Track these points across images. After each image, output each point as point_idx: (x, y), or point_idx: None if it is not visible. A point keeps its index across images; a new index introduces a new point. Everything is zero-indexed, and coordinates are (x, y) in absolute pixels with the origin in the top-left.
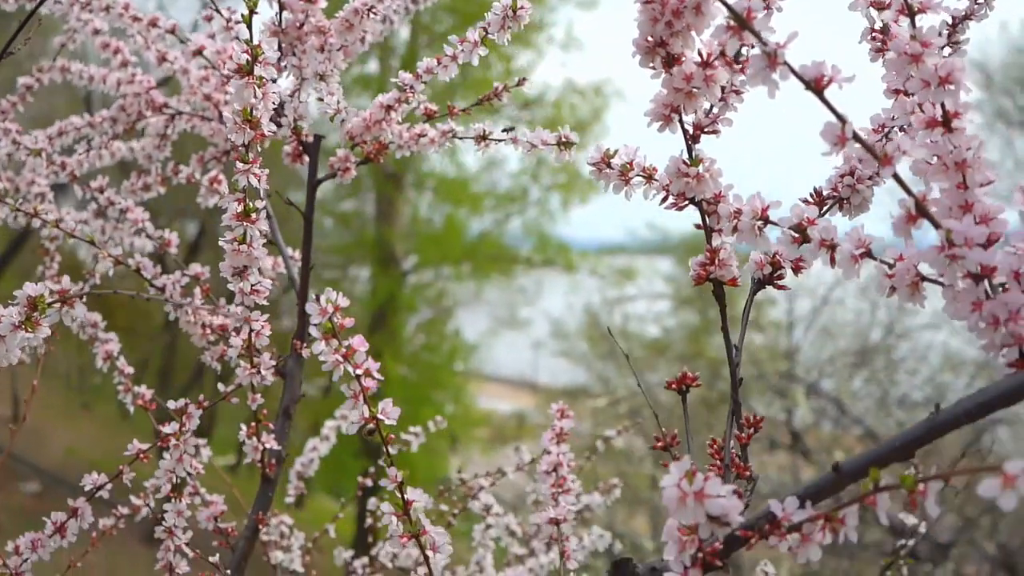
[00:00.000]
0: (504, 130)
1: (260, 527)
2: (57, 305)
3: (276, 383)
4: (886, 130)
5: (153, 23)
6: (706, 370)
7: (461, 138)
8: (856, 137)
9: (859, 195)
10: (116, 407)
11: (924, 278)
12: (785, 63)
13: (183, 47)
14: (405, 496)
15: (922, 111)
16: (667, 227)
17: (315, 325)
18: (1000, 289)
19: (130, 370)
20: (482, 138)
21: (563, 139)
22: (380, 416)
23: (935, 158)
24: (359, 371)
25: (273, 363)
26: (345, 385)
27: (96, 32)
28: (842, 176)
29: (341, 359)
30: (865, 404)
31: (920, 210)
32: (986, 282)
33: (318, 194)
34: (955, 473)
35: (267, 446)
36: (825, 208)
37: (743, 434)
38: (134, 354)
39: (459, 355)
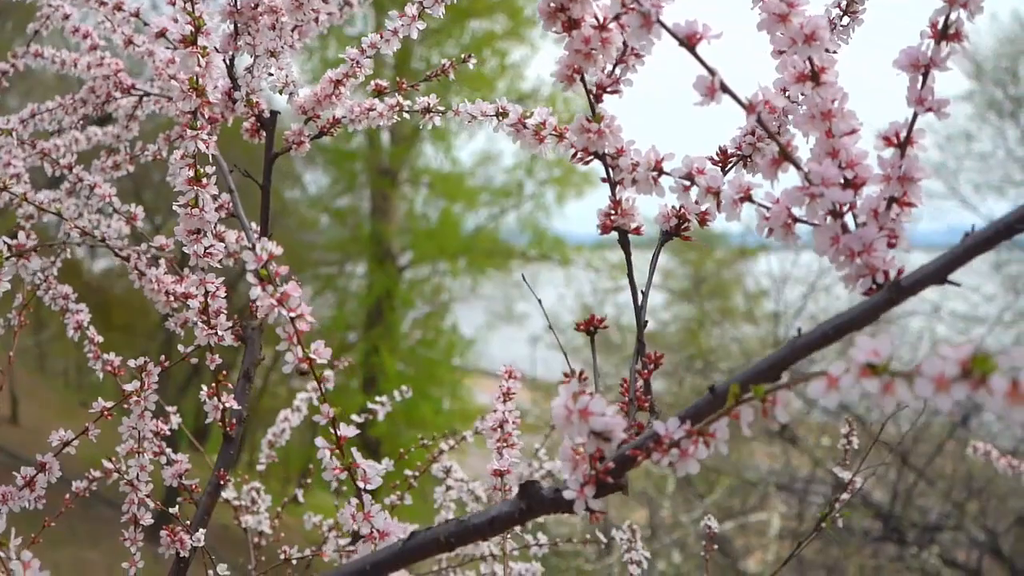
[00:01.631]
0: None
1: (222, 483)
2: (14, 259)
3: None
4: (787, 92)
5: (118, 7)
6: (700, 361)
7: (408, 111)
8: (724, 88)
9: (760, 152)
10: (114, 405)
11: (796, 219)
12: (659, 22)
13: (148, 30)
14: (338, 432)
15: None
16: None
17: (251, 271)
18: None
19: (100, 339)
20: (426, 110)
21: (500, 110)
22: (313, 356)
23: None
24: (293, 314)
25: (229, 324)
26: (280, 328)
27: (66, 17)
28: (745, 135)
29: (276, 303)
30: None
31: (784, 154)
32: (851, 219)
33: (313, 190)
34: (804, 379)
35: (227, 406)
36: (730, 165)
37: (645, 370)
38: (131, 352)
39: (456, 350)
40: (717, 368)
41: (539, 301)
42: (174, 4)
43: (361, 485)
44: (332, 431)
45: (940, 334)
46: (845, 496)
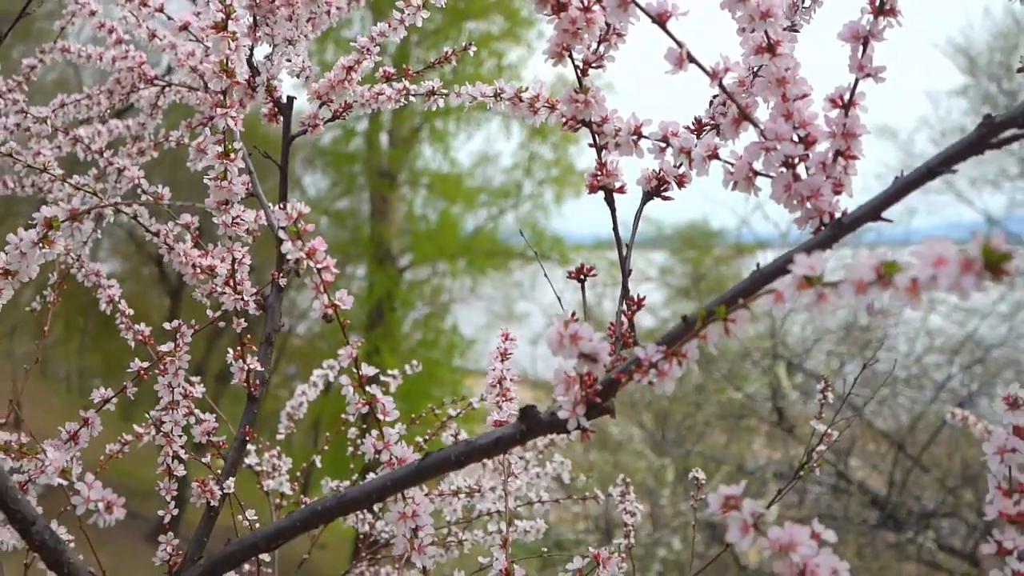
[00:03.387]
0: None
1: (248, 439)
2: (69, 222)
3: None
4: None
5: (144, 3)
6: (700, 358)
7: (414, 95)
8: (690, 58)
9: (725, 115)
10: (115, 409)
11: (756, 172)
12: (634, 2)
13: (171, 23)
14: (360, 371)
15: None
16: (660, 220)
17: (282, 228)
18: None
19: (131, 311)
20: (431, 93)
21: (498, 91)
22: (338, 302)
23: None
24: (320, 266)
25: (254, 290)
26: (308, 278)
27: (92, 13)
28: (716, 105)
29: (305, 256)
30: (850, 382)
31: (743, 115)
32: (803, 170)
33: (312, 193)
34: (755, 297)
35: (252, 367)
36: (704, 132)
37: (630, 311)
38: (131, 354)
39: (457, 351)
40: (715, 365)
41: (549, 281)
42: (195, 0)
43: (380, 418)
44: (355, 370)
45: (935, 324)
46: (821, 447)
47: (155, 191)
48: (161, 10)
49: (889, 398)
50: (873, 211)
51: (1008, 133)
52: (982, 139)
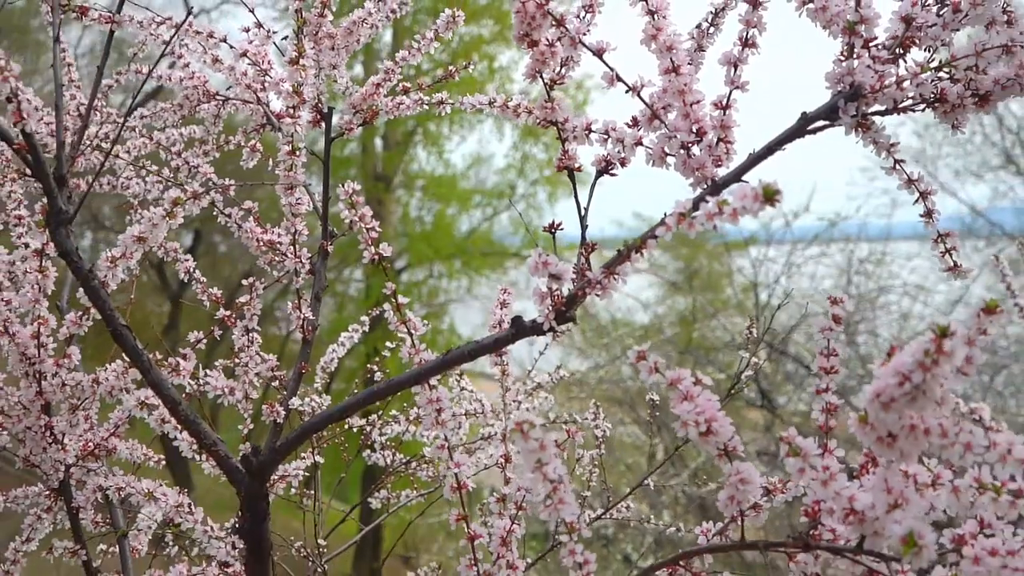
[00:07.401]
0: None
1: (303, 372)
2: (191, 200)
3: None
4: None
5: (210, 35)
6: (700, 350)
7: (428, 104)
8: (618, 78)
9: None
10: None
11: (666, 153)
12: (581, 42)
13: (233, 51)
14: (397, 300)
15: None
16: (653, 218)
17: (341, 200)
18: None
19: (204, 280)
20: (441, 103)
21: (492, 100)
22: (381, 251)
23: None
24: (368, 226)
25: (310, 255)
26: (359, 235)
27: (165, 43)
28: (642, 109)
29: (357, 219)
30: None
31: (654, 115)
32: (697, 151)
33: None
34: (655, 229)
35: (306, 316)
36: (638, 127)
37: (586, 251)
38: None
39: None
40: (712, 362)
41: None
42: (247, 31)
43: (412, 332)
44: (394, 300)
45: (916, 311)
46: (749, 373)
47: (223, 183)
48: (224, 40)
49: (869, 379)
50: (735, 176)
51: (819, 124)
52: (801, 127)
